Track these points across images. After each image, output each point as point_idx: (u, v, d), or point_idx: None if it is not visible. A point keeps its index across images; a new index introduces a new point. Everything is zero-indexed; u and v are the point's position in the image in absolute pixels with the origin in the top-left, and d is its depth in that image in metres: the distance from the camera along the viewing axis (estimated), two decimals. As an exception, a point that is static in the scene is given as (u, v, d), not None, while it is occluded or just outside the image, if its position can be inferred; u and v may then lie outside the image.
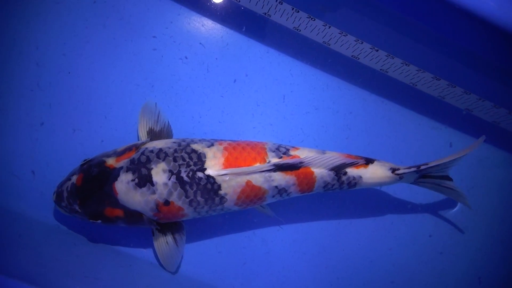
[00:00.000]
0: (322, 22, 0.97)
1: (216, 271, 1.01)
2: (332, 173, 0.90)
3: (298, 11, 0.96)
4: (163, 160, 0.84)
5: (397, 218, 1.09)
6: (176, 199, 0.84)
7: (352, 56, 1.05)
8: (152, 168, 0.83)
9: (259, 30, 1.06)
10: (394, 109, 1.11)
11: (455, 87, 1.03)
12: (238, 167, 0.85)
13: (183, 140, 0.89)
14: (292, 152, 0.90)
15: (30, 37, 0.99)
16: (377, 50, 1.00)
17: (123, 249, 0.98)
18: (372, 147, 1.05)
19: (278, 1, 0.95)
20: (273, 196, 0.90)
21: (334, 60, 1.07)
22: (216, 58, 1.04)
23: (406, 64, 1.01)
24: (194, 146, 0.87)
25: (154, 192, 0.83)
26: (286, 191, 0.90)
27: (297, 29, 1.01)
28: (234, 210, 0.91)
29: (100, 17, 1.01)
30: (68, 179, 0.88)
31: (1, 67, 0.98)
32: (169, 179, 0.83)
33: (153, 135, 0.95)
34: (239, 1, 1.00)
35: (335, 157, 0.89)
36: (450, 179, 0.97)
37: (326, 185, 0.91)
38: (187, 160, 0.84)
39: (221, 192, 0.85)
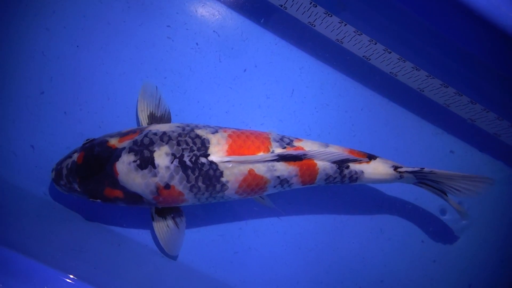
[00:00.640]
0: (338, 19, 0.97)
1: (208, 259, 1.00)
2: (334, 166, 0.90)
3: (316, 6, 0.96)
4: (167, 143, 0.83)
5: (392, 220, 1.10)
6: (177, 183, 0.83)
7: (363, 56, 1.05)
8: (154, 151, 0.82)
9: (272, 22, 1.05)
10: (399, 112, 1.12)
11: (462, 95, 1.04)
12: (241, 155, 0.85)
13: (187, 125, 0.89)
14: (295, 143, 0.90)
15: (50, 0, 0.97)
16: (389, 52, 1.00)
17: (115, 228, 0.97)
18: (374, 147, 1.05)
19: (296, -7, 0.95)
20: (275, 187, 0.90)
21: (345, 59, 1.07)
22: (232, 48, 1.04)
23: (416, 69, 1.02)
24: (198, 132, 0.86)
25: (155, 175, 0.82)
26: (288, 182, 0.90)
27: (312, 24, 1.01)
28: (234, 199, 0.91)
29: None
30: (69, 156, 0.87)
31: (13, 27, 0.95)
32: (172, 163, 0.82)
33: (154, 120, 0.93)
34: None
35: (339, 153, 0.89)
36: (445, 194, 0.98)
37: (328, 178, 0.92)
38: (191, 145, 0.84)
39: (223, 179, 0.85)
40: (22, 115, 0.95)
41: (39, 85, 0.96)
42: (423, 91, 1.08)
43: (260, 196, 0.94)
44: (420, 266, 1.11)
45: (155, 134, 0.85)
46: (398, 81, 1.08)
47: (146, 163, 0.82)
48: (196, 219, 1.00)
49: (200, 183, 0.84)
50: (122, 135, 0.87)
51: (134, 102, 0.98)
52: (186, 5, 1.02)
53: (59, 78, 0.97)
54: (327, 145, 0.92)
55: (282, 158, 0.86)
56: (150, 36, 1.00)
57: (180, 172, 0.82)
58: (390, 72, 1.06)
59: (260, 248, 1.03)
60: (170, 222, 0.93)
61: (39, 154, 0.95)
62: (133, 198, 0.85)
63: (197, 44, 1.02)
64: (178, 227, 0.93)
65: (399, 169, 0.93)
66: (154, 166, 0.82)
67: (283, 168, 0.87)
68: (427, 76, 1.03)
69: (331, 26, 0.99)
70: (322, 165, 0.89)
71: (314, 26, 1.01)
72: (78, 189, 0.85)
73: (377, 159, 0.94)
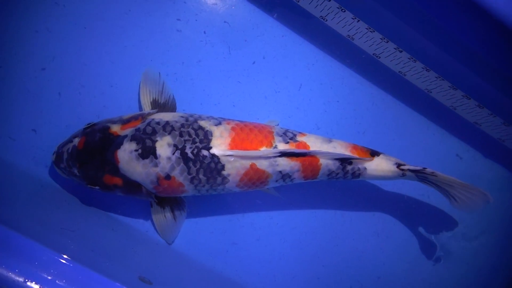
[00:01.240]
0: (352, 15, 0.95)
1: (205, 249, 1.00)
2: (337, 162, 0.90)
3: (330, 0, 0.94)
4: (169, 133, 0.82)
5: (395, 217, 1.10)
6: (178, 174, 0.82)
7: (373, 54, 1.04)
8: (157, 140, 0.82)
9: (284, 14, 1.03)
10: (405, 112, 1.11)
11: (470, 99, 1.04)
12: (244, 149, 0.84)
13: (191, 115, 0.87)
14: (299, 138, 0.90)
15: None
16: (400, 51, 0.99)
17: (112, 215, 0.96)
18: (381, 146, 1.04)
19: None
20: (276, 181, 0.89)
21: (355, 56, 1.06)
22: (242, 40, 1.02)
23: (426, 70, 1.01)
24: (202, 123, 0.85)
25: (156, 165, 0.81)
26: (290, 176, 0.89)
27: (324, 19, 0.99)
28: (234, 192, 0.90)
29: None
30: (70, 141, 0.86)
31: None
32: (173, 154, 0.81)
33: (157, 106, 0.92)
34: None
35: (342, 154, 0.89)
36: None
37: (330, 174, 0.91)
38: (193, 136, 0.83)
39: (224, 172, 0.84)
40: (20, 93, 0.93)
41: (40, 62, 0.93)
42: (431, 92, 1.07)
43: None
44: (418, 269, 1.11)
45: (158, 123, 0.84)
46: (406, 80, 1.07)
47: (147, 152, 0.81)
48: (195, 209, 0.99)
49: (201, 175, 0.83)
50: (124, 122, 0.85)
51: (137, 90, 0.96)
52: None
53: (62, 58, 0.94)
54: (330, 140, 0.92)
55: (284, 154, 0.85)
56: (159, 24, 0.98)
57: (181, 164, 0.82)
58: (399, 72, 1.05)
59: (258, 241, 1.03)
60: (168, 213, 0.93)
61: (40, 137, 0.93)
62: (132, 186, 0.84)
63: (204, 32, 1.00)
64: (175, 219, 0.93)
65: (402, 167, 0.93)
66: (155, 156, 0.81)
67: (285, 163, 0.86)
68: (436, 77, 1.02)
69: (343, 22, 0.98)
70: (324, 160, 0.89)
71: (326, 20, 1.00)
72: (78, 174, 0.84)
73: (381, 155, 0.94)
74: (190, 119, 0.86)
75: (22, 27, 0.93)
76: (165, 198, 0.91)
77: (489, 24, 0.84)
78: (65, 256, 0.67)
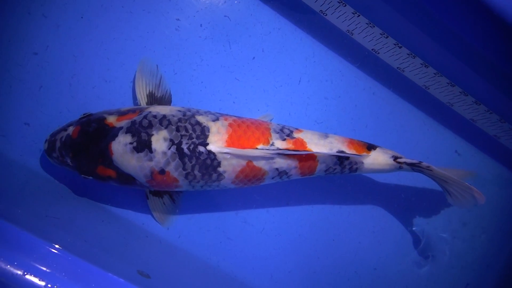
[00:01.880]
0: (352, 10, 0.95)
1: (200, 243, 0.99)
2: (334, 158, 0.90)
3: (331, -6, 0.94)
4: (166, 128, 0.81)
5: (391, 213, 1.11)
6: (173, 169, 0.81)
7: (372, 49, 1.04)
8: (152, 134, 0.80)
9: (283, 8, 1.03)
10: (403, 107, 1.12)
11: (467, 95, 1.05)
12: (241, 145, 0.83)
13: (189, 110, 0.86)
14: (295, 135, 0.89)
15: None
16: (400, 47, 1.00)
17: (109, 207, 0.95)
18: (381, 141, 1.05)
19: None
20: (273, 178, 0.89)
21: (354, 51, 1.06)
22: (241, 34, 1.01)
23: (425, 66, 1.01)
24: (199, 118, 0.84)
25: (151, 159, 0.80)
26: (286, 173, 0.89)
27: (324, 13, 0.99)
28: (230, 188, 0.90)
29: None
30: (64, 129, 0.84)
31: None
32: (169, 149, 0.80)
33: (154, 100, 0.90)
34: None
35: (339, 154, 0.89)
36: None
37: (327, 169, 0.91)
38: (190, 132, 0.82)
39: (220, 169, 0.83)
40: (14, 78, 0.90)
41: (33, 48, 0.91)
42: (429, 88, 1.08)
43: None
44: (414, 260, 1.12)
45: (155, 116, 0.82)
46: (404, 76, 1.07)
47: (142, 146, 0.80)
48: (192, 204, 0.98)
49: (196, 171, 0.82)
50: (120, 114, 0.84)
51: (133, 86, 0.94)
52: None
53: (56, 47, 0.92)
54: (327, 135, 0.92)
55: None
56: (158, 19, 0.96)
57: (177, 159, 0.81)
58: (397, 68, 1.05)
59: (254, 235, 1.02)
60: (166, 199, 0.93)
61: (33, 130, 0.91)
62: (125, 179, 0.83)
63: (201, 25, 0.99)
64: (174, 202, 0.94)
65: (399, 160, 0.94)
66: (150, 150, 0.80)
67: (282, 161, 0.86)
68: (435, 73, 1.02)
69: (343, 16, 0.98)
70: (322, 156, 0.89)
71: (326, 15, 0.99)
72: (70, 164, 0.83)
73: (377, 149, 0.94)
74: (188, 113, 0.85)
75: (18, 9, 0.90)
76: None
77: (489, 20, 0.84)
78: (56, 246, 0.67)
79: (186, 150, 0.81)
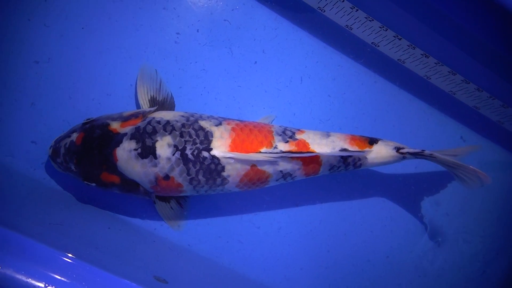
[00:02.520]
0: (350, 4, 0.95)
1: (211, 244, 1.00)
2: (337, 156, 0.90)
3: (328, -10, 0.94)
4: (170, 133, 0.81)
5: (400, 204, 1.12)
6: (177, 175, 0.82)
7: (372, 43, 1.04)
8: (157, 140, 0.81)
9: (282, 7, 1.03)
10: (405, 98, 1.12)
11: (469, 83, 1.05)
12: (245, 149, 0.83)
13: (192, 115, 0.87)
14: (297, 136, 0.89)
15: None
16: (400, 39, 1.00)
17: (117, 215, 0.95)
18: (382, 133, 1.06)
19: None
20: (277, 180, 0.90)
21: (353, 46, 1.06)
22: (242, 37, 1.01)
23: (425, 56, 1.02)
24: (202, 123, 0.84)
25: (155, 165, 0.81)
26: (291, 175, 0.89)
27: (322, 10, 0.99)
28: (233, 191, 0.90)
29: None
30: (68, 135, 0.84)
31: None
32: (173, 155, 0.81)
33: (156, 104, 0.91)
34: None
35: (342, 153, 0.89)
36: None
37: (332, 168, 0.92)
38: (194, 137, 0.82)
39: (224, 173, 0.84)
40: (18, 84, 0.91)
41: (35, 56, 0.91)
42: (430, 78, 1.08)
43: None
44: (425, 247, 1.13)
45: (159, 122, 0.83)
46: (404, 67, 1.07)
47: (147, 152, 0.80)
48: (200, 207, 0.99)
49: (200, 177, 0.83)
50: (124, 119, 0.84)
51: (135, 93, 0.94)
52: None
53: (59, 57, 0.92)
54: (328, 134, 0.92)
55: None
56: (159, 23, 0.97)
57: (181, 165, 0.81)
58: (398, 60, 1.06)
59: (264, 236, 1.03)
60: (173, 203, 0.93)
61: (38, 147, 0.92)
62: (129, 185, 0.84)
63: (197, 30, 0.99)
64: (181, 206, 0.94)
65: (401, 150, 0.94)
66: (155, 156, 0.80)
67: (286, 163, 0.87)
68: (436, 63, 1.03)
69: (341, 12, 0.98)
70: (325, 156, 0.89)
71: (324, 11, 1.00)
72: (74, 170, 0.83)
73: (379, 142, 0.94)
74: (191, 118, 0.85)
75: (19, 16, 0.90)
76: None
77: (488, 6, 0.84)
78: (69, 255, 0.66)
79: (190, 156, 0.81)
